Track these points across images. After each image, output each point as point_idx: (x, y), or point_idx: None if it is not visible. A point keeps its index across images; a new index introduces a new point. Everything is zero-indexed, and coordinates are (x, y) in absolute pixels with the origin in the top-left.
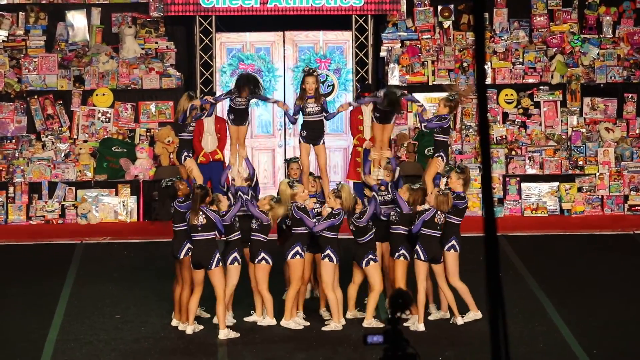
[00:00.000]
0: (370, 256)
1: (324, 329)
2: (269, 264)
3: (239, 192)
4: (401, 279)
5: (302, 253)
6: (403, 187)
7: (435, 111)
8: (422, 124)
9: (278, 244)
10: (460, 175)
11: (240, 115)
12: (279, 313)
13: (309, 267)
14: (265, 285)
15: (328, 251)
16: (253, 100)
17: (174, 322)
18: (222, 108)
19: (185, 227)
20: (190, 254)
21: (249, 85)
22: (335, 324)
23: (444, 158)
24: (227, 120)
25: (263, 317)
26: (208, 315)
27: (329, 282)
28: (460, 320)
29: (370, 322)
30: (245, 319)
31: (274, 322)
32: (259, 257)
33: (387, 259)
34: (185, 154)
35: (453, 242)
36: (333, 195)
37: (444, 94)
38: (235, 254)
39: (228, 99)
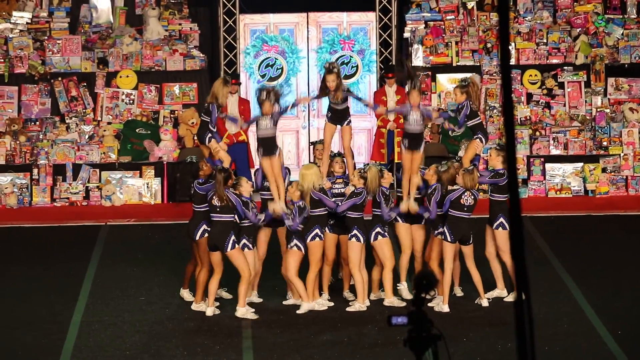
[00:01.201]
0: (378, 229)
1: (348, 309)
2: (300, 250)
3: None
4: (435, 257)
5: (322, 235)
6: (430, 169)
7: (452, 100)
8: (455, 128)
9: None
10: (499, 152)
11: (266, 145)
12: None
13: (333, 248)
14: (294, 271)
15: (355, 231)
16: (277, 82)
17: (186, 296)
18: (246, 90)
19: (204, 209)
20: (206, 235)
21: (269, 99)
22: (359, 305)
23: (483, 140)
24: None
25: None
26: (230, 296)
27: (356, 262)
28: (485, 302)
29: (391, 300)
30: (284, 302)
31: (310, 304)
32: (292, 243)
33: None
34: (210, 135)
35: (501, 219)
36: (358, 175)
37: (468, 74)
38: (245, 241)
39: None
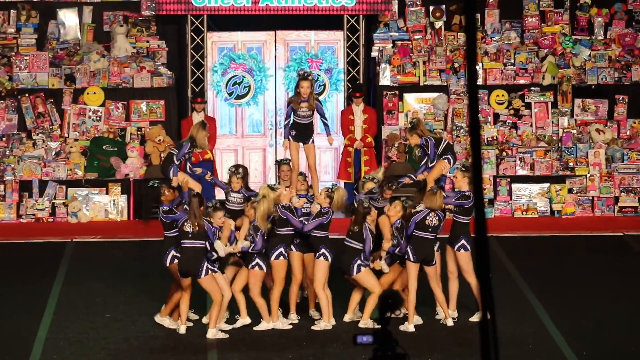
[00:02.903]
0: (359, 262)
1: (313, 327)
2: (262, 270)
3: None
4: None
5: (286, 254)
6: (396, 205)
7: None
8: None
9: None
10: (465, 173)
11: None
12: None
13: (300, 266)
14: (257, 290)
15: (323, 250)
16: (244, 100)
17: (159, 319)
18: (213, 108)
19: (173, 234)
20: (175, 261)
21: (236, 174)
22: (325, 323)
23: (450, 160)
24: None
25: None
26: (197, 317)
27: (321, 281)
28: (450, 322)
29: (366, 322)
30: (255, 327)
31: (270, 325)
32: (253, 263)
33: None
34: (174, 168)
35: (462, 241)
36: (325, 194)
37: (435, 94)
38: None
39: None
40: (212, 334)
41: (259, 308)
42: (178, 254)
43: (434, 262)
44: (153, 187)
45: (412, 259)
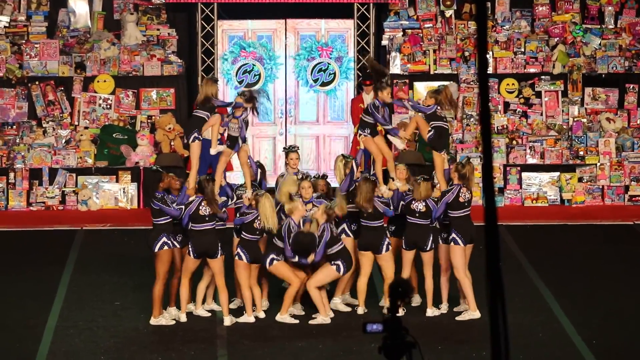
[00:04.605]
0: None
1: (311, 322)
2: (241, 260)
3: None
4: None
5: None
6: (399, 167)
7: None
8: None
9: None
10: (457, 167)
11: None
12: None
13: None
14: (243, 282)
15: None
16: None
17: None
18: (223, 96)
19: (164, 221)
20: (165, 248)
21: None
22: (322, 318)
23: (438, 148)
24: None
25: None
26: (218, 308)
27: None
28: (430, 312)
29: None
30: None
31: (251, 319)
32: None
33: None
34: (196, 134)
35: (453, 234)
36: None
37: (445, 83)
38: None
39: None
40: (229, 320)
41: (254, 299)
42: (169, 241)
43: (427, 249)
44: (156, 170)
45: (404, 246)
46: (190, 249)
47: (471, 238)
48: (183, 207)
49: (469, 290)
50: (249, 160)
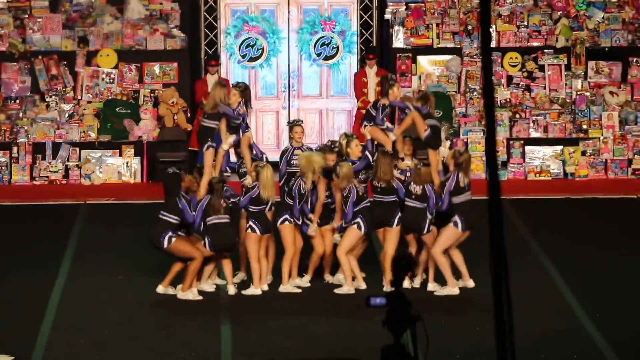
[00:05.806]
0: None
1: (336, 291)
2: (254, 232)
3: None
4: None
5: (292, 220)
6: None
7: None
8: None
9: None
10: (454, 154)
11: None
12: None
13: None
14: (253, 254)
15: (358, 219)
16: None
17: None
18: (227, 70)
19: (175, 221)
20: (173, 241)
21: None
22: (348, 288)
23: (434, 147)
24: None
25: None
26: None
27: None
28: (431, 287)
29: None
30: (244, 292)
31: (258, 291)
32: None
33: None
34: (209, 143)
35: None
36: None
37: (448, 57)
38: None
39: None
40: (233, 290)
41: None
42: (174, 234)
43: (424, 231)
44: (175, 173)
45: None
46: (207, 241)
47: (471, 225)
48: (195, 212)
49: (446, 268)
50: (252, 147)
